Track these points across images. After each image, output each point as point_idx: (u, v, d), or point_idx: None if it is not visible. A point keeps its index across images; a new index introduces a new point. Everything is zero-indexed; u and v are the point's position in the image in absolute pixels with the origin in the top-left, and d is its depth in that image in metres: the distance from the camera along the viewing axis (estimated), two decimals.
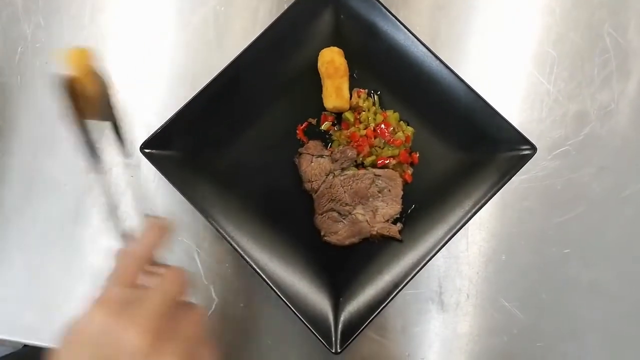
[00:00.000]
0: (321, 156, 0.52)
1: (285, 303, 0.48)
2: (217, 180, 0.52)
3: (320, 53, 0.52)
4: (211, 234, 0.55)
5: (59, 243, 0.56)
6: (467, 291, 0.54)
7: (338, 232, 0.51)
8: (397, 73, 0.53)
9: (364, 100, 0.53)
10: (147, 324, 0.30)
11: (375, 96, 0.54)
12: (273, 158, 0.52)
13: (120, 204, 0.56)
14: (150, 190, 0.56)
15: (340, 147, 0.52)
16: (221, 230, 0.50)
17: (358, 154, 0.52)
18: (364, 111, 0.53)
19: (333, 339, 0.48)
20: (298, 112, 0.54)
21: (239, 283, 0.55)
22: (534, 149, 0.49)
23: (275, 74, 0.52)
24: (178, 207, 0.55)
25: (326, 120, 0.54)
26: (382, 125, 0.52)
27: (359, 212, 0.51)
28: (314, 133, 0.54)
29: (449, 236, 0.49)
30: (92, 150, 0.39)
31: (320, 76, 0.53)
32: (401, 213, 0.52)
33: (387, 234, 0.51)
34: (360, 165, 0.53)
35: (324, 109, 0.53)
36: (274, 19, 0.51)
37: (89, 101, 0.38)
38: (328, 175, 0.52)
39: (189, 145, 0.52)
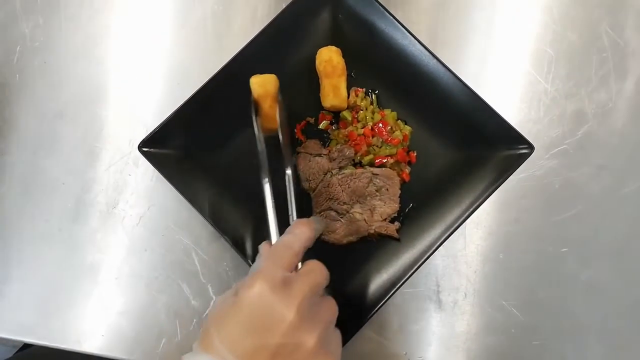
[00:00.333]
0: (319, 155, 0.52)
1: None
2: (215, 178, 0.52)
3: (318, 52, 0.52)
4: (209, 232, 0.55)
5: (58, 242, 0.56)
6: (465, 290, 0.54)
7: (336, 231, 0.51)
8: (395, 72, 0.53)
9: (362, 99, 0.53)
10: (299, 303, 0.35)
11: (373, 95, 0.54)
12: (271, 157, 0.52)
13: (119, 202, 0.56)
14: (149, 188, 0.56)
15: (338, 146, 0.52)
16: (218, 229, 0.50)
17: (356, 153, 0.52)
18: (362, 110, 0.53)
19: None
20: (296, 111, 0.54)
21: (237, 281, 0.55)
22: (531, 148, 0.49)
23: (274, 73, 0.52)
24: (176, 205, 0.56)
25: (324, 119, 0.54)
26: (380, 124, 0.52)
27: (357, 211, 0.52)
28: (312, 132, 0.54)
29: (446, 235, 0.49)
30: (262, 157, 0.45)
31: (318, 75, 0.53)
32: (399, 212, 0.52)
33: (385, 232, 0.51)
34: (358, 164, 0.53)
35: (322, 108, 0.53)
36: (272, 18, 0.51)
37: (266, 118, 0.47)
38: (326, 174, 0.52)
39: (187, 144, 0.52)
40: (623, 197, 0.55)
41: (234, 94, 0.52)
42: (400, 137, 0.52)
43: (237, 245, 0.50)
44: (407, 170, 0.53)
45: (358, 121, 0.53)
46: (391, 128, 0.52)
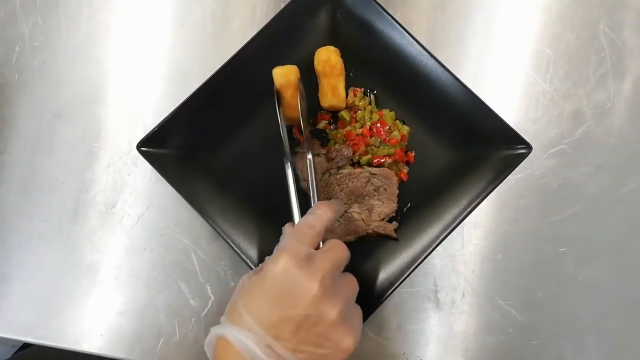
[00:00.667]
0: (317, 155, 0.52)
1: None
2: (214, 178, 0.52)
3: (316, 52, 0.52)
4: (207, 232, 0.55)
5: (57, 241, 0.56)
6: (463, 290, 0.54)
7: (334, 231, 0.51)
8: (393, 72, 0.53)
9: (360, 99, 0.53)
10: (322, 277, 0.37)
11: (372, 95, 0.54)
12: (269, 156, 0.52)
13: (118, 202, 0.57)
14: (148, 188, 0.56)
15: (336, 146, 0.52)
16: (217, 229, 0.50)
17: (354, 153, 0.52)
18: (360, 110, 0.53)
19: None
20: None
21: (235, 281, 0.55)
22: (529, 147, 0.49)
23: (271, 73, 0.52)
24: (175, 205, 0.56)
25: (322, 119, 0.54)
26: (378, 124, 0.52)
27: (355, 211, 0.52)
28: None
29: (444, 235, 0.49)
30: (286, 144, 0.48)
31: (317, 75, 0.53)
32: (397, 211, 0.52)
33: (383, 232, 0.51)
34: (356, 164, 0.53)
35: (320, 108, 0.54)
36: (271, 18, 0.51)
37: (288, 107, 0.49)
38: (324, 173, 0.52)
39: (186, 144, 0.52)
40: (621, 196, 0.55)
41: (233, 93, 0.52)
42: (399, 137, 0.52)
43: (236, 245, 0.50)
44: (405, 170, 0.53)
45: (356, 121, 0.53)
46: (389, 128, 0.52)
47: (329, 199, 0.52)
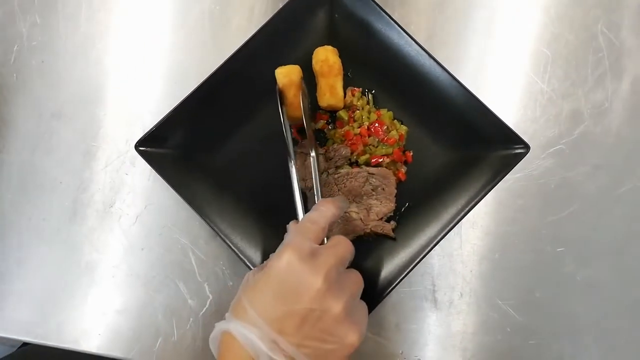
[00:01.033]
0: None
1: None
2: (212, 178, 0.52)
3: (314, 52, 0.52)
4: (206, 232, 0.55)
5: (55, 240, 0.56)
6: (461, 289, 0.54)
7: (332, 231, 0.51)
8: (392, 72, 0.53)
9: (358, 99, 0.53)
10: (326, 272, 0.37)
11: (370, 95, 0.54)
12: (267, 156, 0.52)
13: (116, 202, 0.57)
14: (146, 187, 0.56)
15: (335, 146, 0.52)
16: (216, 229, 0.50)
17: (352, 153, 0.52)
18: (358, 110, 0.53)
19: None
20: None
21: (233, 281, 0.55)
22: (527, 147, 0.49)
23: (270, 73, 0.52)
24: (173, 204, 0.56)
25: (320, 119, 0.54)
26: (376, 124, 0.52)
27: (353, 210, 0.52)
28: None
29: (442, 234, 0.49)
30: (289, 143, 0.48)
31: (315, 75, 0.53)
32: (395, 211, 0.52)
33: (381, 232, 0.51)
34: (354, 164, 0.53)
35: (319, 108, 0.54)
36: (269, 18, 0.51)
37: (291, 106, 0.49)
38: (322, 173, 0.52)
39: (184, 143, 0.52)
40: (619, 196, 0.55)
41: (231, 93, 0.52)
42: (397, 137, 0.52)
43: (234, 244, 0.50)
44: (403, 169, 0.53)
45: (354, 121, 0.53)
46: (387, 128, 0.52)
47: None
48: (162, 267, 0.55)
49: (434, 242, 0.49)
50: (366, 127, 0.53)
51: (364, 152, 0.52)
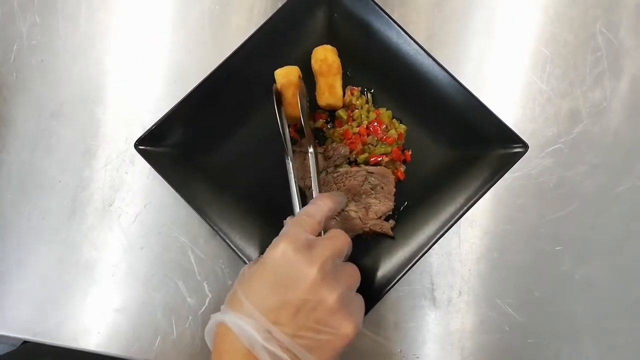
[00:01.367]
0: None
1: None
2: (211, 177, 0.52)
3: (313, 51, 0.52)
4: (205, 231, 0.56)
5: (55, 239, 0.56)
6: (460, 288, 0.55)
7: (330, 228, 0.51)
8: (391, 71, 0.53)
9: (357, 98, 0.53)
10: (321, 263, 0.37)
11: (369, 94, 0.54)
12: (267, 155, 0.53)
13: (115, 200, 0.57)
14: (145, 186, 0.57)
15: (333, 145, 0.52)
16: (215, 227, 0.50)
17: (351, 151, 0.52)
18: (357, 109, 0.53)
19: None
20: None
21: (233, 279, 0.55)
22: (525, 146, 0.49)
23: (269, 72, 0.52)
24: (172, 203, 0.56)
25: (319, 118, 0.54)
26: (375, 123, 0.52)
27: (352, 209, 0.52)
28: None
29: (440, 233, 0.49)
30: (286, 140, 0.49)
31: (314, 74, 0.53)
32: (394, 210, 0.52)
33: (380, 230, 0.51)
34: (353, 163, 0.53)
35: (318, 107, 0.54)
36: (268, 17, 0.51)
37: (290, 105, 0.50)
38: (321, 172, 0.52)
39: (184, 142, 0.52)
40: (618, 195, 0.55)
41: (230, 92, 0.52)
42: (396, 136, 0.52)
43: (233, 243, 0.50)
44: (402, 168, 0.53)
45: (353, 120, 0.53)
46: (386, 127, 0.53)
47: None
48: (162, 265, 0.56)
49: (433, 241, 0.49)
50: (365, 126, 0.53)
51: (362, 151, 0.52)
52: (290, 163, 0.48)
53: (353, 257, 0.51)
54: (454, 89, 0.50)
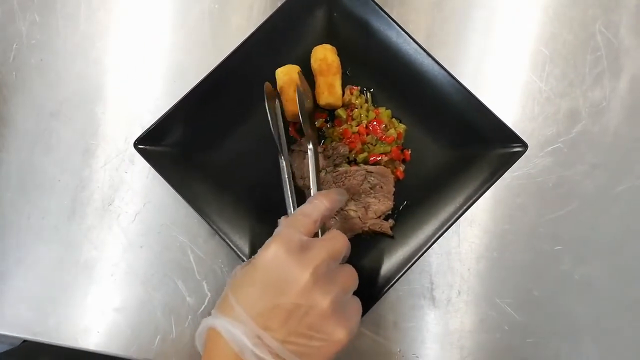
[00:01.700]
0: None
1: None
2: (211, 176, 0.52)
3: (313, 50, 0.52)
4: (205, 230, 0.56)
5: (54, 239, 0.56)
6: (459, 287, 0.55)
7: (329, 228, 0.51)
8: (390, 70, 0.53)
9: (357, 97, 0.53)
10: (315, 266, 0.36)
11: (368, 93, 0.54)
12: (266, 154, 0.53)
13: (115, 200, 0.57)
14: (145, 185, 0.57)
15: (333, 144, 0.52)
16: (214, 227, 0.50)
17: (350, 151, 0.52)
18: (357, 108, 0.53)
19: None
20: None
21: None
22: (525, 146, 0.49)
23: (269, 71, 0.52)
24: (172, 202, 0.56)
25: (319, 117, 0.54)
26: (375, 122, 0.52)
27: (351, 209, 0.52)
28: None
29: (440, 233, 0.49)
30: (277, 138, 0.50)
31: (313, 73, 0.53)
32: (393, 209, 0.52)
33: (379, 230, 0.51)
34: (352, 162, 0.53)
35: (317, 106, 0.54)
36: (268, 17, 0.51)
37: (292, 102, 0.50)
38: (320, 171, 0.52)
39: (183, 142, 0.52)
40: (617, 195, 0.55)
41: (230, 91, 0.52)
42: (395, 135, 0.52)
43: (233, 242, 0.50)
44: (402, 168, 0.53)
45: (353, 119, 0.53)
46: (386, 126, 0.53)
47: None
48: (161, 265, 0.56)
49: (432, 240, 0.49)
50: (364, 125, 0.53)
51: (362, 151, 0.52)
52: (284, 161, 0.49)
53: (352, 257, 0.51)
54: (453, 89, 0.50)
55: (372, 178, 0.52)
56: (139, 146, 0.50)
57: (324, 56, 0.51)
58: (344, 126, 0.53)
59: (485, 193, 0.50)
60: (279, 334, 0.35)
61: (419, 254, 0.49)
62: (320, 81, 0.52)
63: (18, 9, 0.59)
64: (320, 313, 0.35)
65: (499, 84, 0.57)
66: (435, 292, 0.54)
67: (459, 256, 0.55)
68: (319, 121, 0.54)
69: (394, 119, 0.53)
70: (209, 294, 0.55)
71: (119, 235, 0.56)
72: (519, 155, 0.49)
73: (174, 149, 0.52)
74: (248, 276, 0.37)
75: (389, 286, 0.49)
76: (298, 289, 0.35)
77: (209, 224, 0.50)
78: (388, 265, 0.50)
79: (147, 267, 0.56)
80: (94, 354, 0.56)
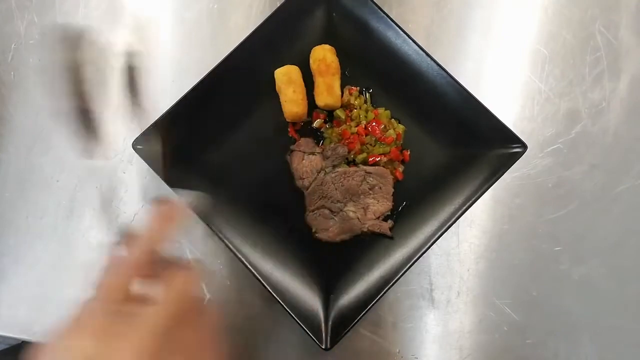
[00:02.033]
0: (312, 153, 0.52)
1: (276, 299, 0.48)
2: (209, 177, 0.52)
3: (312, 50, 0.52)
4: (203, 231, 0.55)
5: (52, 238, 0.56)
6: (458, 288, 0.54)
7: (329, 229, 0.51)
8: (389, 71, 0.53)
9: (356, 98, 0.53)
10: (140, 343, 0.27)
11: (367, 94, 0.54)
12: (265, 155, 0.53)
13: (113, 200, 0.57)
14: (143, 186, 0.56)
15: (332, 144, 0.52)
16: (213, 227, 0.50)
17: (349, 151, 0.52)
18: (356, 109, 0.53)
19: (323, 335, 0.48)
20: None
21: (231, 280, 0.55)
22: (524, 146, 0.49)
23: (267, 72, 0.52)
24: None
25: (318, 118, 0.54)
26: (374, 123, 0.52)
27: (350, 209, 0.52)
28: (306, 130, 0.54)
29: (439, 233, 0.49)
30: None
31: (312, 73, 0.53)
32: (392, 210, 0.52)
33: (378, 230, 0.51)
34: (351, 163, 0.53)
35: (316, 106, 0.54)
36: (267, 17, 0.51)
37: (291, 103, 0.51)
38: (319, 172, 0.52)
39: (182, 142, 0.52)
40: (616, 195, 0.55)
41: (228, 92, 0.52)
42: (394, 136, 0.52)
43: (231, 243, 0.50)
44: (401, 168, 0.53)
45: (352, 120, 0.53)
46: (385, 126, 0.52)
47: (323, 197, 0.52)
48: None
49: (431, 241, 0.49)
50: (363, 126, 0.53)
51: (361, 151, 0.52)
52: None
53: (350, 259, 0.51)
54: (452, 89, 0.50)
55: (371, 179, 0.51)
56: (137, 146, 0.50)
57: (323, 56, 0.51)
58: (343, 127, 0.53)
59: (485, 193, 0.49)
60: None
61: (418, 255, 0.49)
62: (319, 81, 0.52)
63: (16, 9, 0.59)
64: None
65: (498, 84, 0.57)
66: (434, 293, 0.54)
67: (458, 257, 0.55)
68: (317, 122, 0.54)
69: (393, 119, 0.53)
70: (207, 295, 0.55)
71: (117, 236, 0.56)
72: (518, 155, 0.49)
73: (172, 150, 0.51)
74: None
75: (388, 287, 0.49)
76: None
77: (207, 224, 0.50)
78: (387, 266, 0.50)
79: None
80: None
